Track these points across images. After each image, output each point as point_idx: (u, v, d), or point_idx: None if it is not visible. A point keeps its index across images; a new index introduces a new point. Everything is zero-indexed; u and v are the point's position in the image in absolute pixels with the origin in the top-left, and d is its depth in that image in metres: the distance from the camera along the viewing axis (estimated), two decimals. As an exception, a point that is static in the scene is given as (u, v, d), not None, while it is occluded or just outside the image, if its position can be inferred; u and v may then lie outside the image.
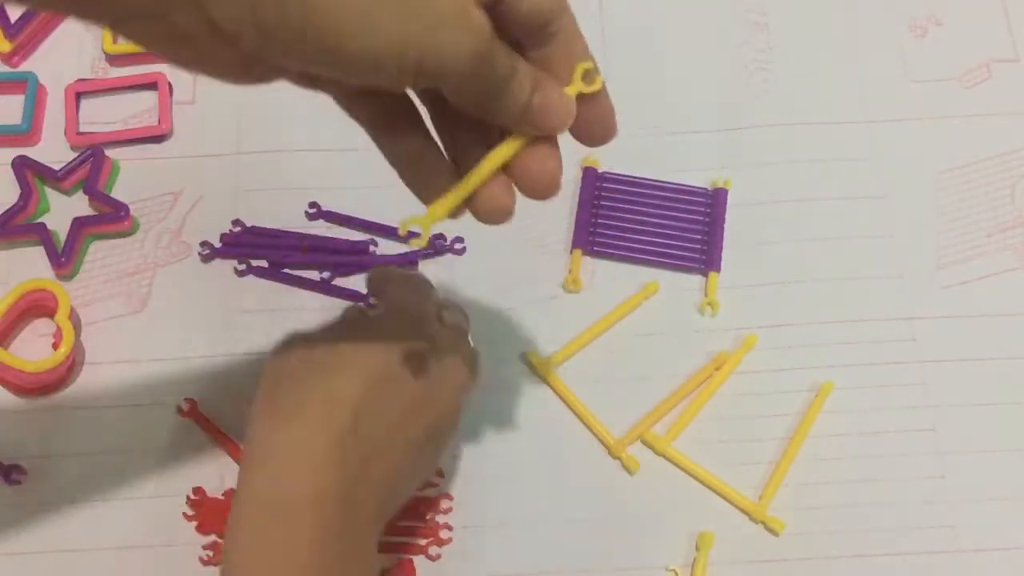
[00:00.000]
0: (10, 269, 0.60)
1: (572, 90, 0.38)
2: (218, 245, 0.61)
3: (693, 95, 0.65)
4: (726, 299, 0.60)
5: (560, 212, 0.62)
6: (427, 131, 0.40)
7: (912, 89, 0.65)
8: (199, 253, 0.61)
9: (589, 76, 0.38)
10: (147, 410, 0.58)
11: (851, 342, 0.59)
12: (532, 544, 0.55)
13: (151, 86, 0.64)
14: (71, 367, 0.58)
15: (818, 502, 0.56)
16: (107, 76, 0.65)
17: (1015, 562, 0.55)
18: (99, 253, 0.61)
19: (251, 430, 0.44)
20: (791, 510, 0.55)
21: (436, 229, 0.54)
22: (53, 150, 0.63)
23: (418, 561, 0.55)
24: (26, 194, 0.61)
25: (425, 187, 0.40)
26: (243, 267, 0.60)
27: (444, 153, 0.40)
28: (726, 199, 0.62)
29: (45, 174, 0.61)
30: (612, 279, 0.61)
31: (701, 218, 0.62)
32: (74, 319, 0.59)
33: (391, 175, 0.41)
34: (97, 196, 0.61)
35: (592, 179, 0.62)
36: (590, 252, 0.61)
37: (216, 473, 0.56)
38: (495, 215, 0.39)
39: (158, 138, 0.64)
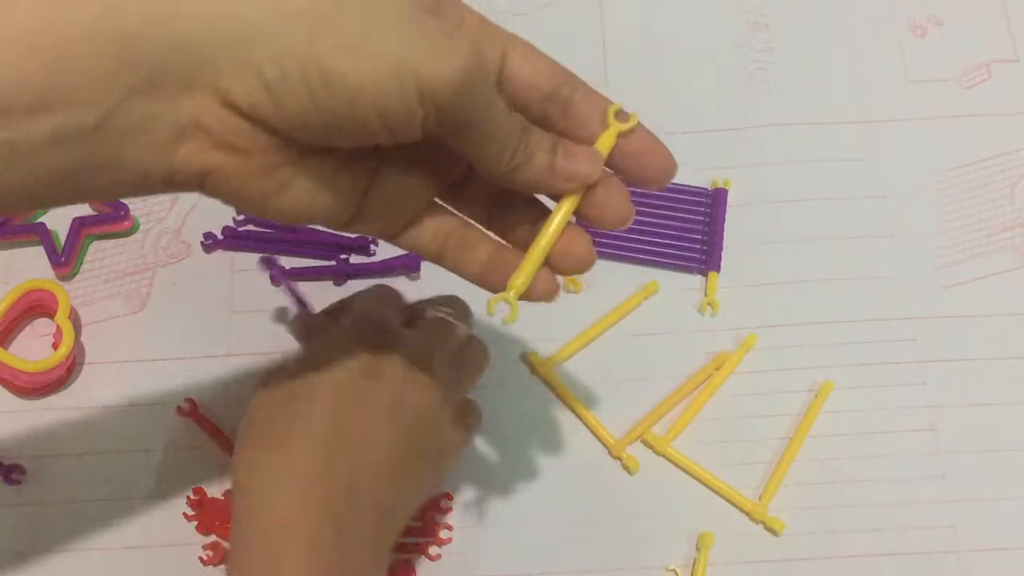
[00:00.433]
0: (10, 269, 0.60)
1: (609, 135, 0.39)
2: (220, 237, 0.61)
3: (693, 95, 0.65)
4: (726, 299, 0.60)
5: (560, 212, 0.62)
6: (488, 237, 0.42)
7: (912, 89, 0.65)
8: (201, 244, 0.61)
9: (622, 115, 0.39)
10: (147, 410, 0.58)
11: (851, 342, 0.59)
12: (532, 544, 0.55)
13: (151, 86, 0.64)
14: (71, 367, 0.58)
15: (818, 502, 0.56)
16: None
17: (1015, 562, 0.55)
18: (99, 253, 0.61)
19: (239, 457, 0.46)
20: (791, 510, 0.55)
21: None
22: (53, 150, 0.63)
23: (418, 561, 0.55)
24: (26, 194, 0.61)
25: (465, 263, 0.42)
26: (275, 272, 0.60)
27: (471, 221, 0.42)
28: (726, 199, 0.62)
29: (45, 174, 0.61)
30: (612, 279, 0.61)
31: (701, 218, 0.62)
32: (74, 319, 0.59)
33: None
34: (97, 196, 0.61)
35: (592, 179, 0.62)
36: (590, 252, 0.61)
37: (216, 473, 0.56)
38: (576, 263, 0.41)
39: (158, 138, 0.63)
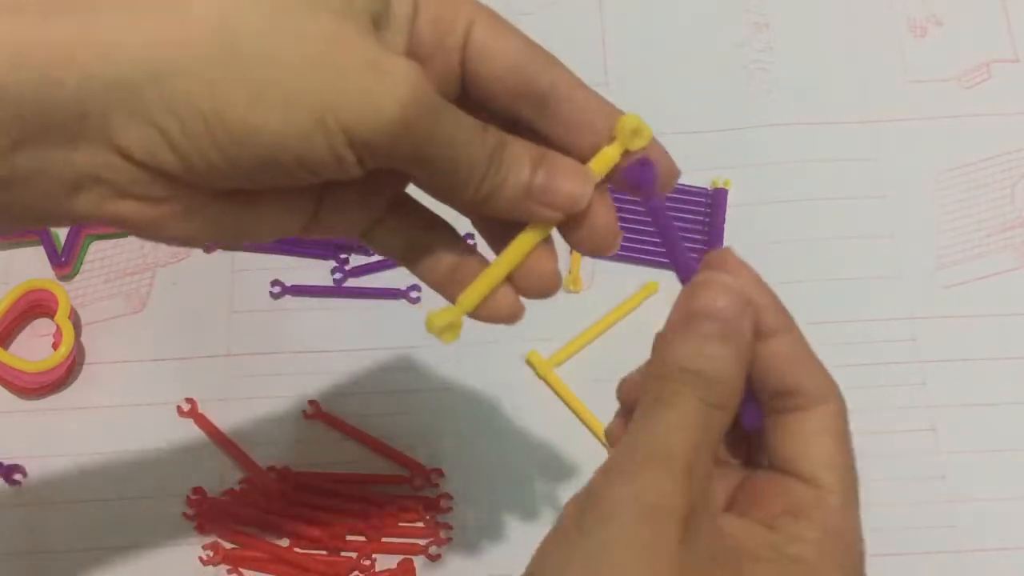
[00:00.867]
0: (10, 269, 0.60)
1: (611, 152, 0.34)
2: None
3: (693, 95, 0.65)
4: (726, 299, 0.60)
5: (560, 212, 0.62)
6: (458, 243, 0.38)
7: (912, 89, 0.65)
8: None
9: (638, 131, 0.34)
10: (147, 410, 0.58)
11: (851, 342, 0.59)
12: (532, 544, 0.55)
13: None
14: (71, 367, 0.58)
15: (818, 502, 0.56)
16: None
17: (1015, 562, 0.55)
18: (99, 253, 0.61)
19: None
20: (791, 510, 0.55)
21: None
22: (53, 150, 0.63)
23: (418, 561, 0.55)
24: (26, 194, 0.61)
25: (426, 270, 0.38)
26: (277, 289, 0.60)
27: (476, 253, 0.38)
28: (726, 199, 0.62)
29: (45, 174, 0.61)
30: (612, 279, 0.61)
31: (701, 218, 0.62)
32: (74, 319, 0.59)
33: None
34: (97, 196, 0.61)
35: (592, 179, 0.62)
36: (590, 252, 0.61)
37: (216, 473, 0.56)
38: (538, 286, 0.36)
39: (158, 138, 0.63)
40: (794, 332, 0.34)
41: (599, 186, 0.35)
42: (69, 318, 0.57)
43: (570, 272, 0.60)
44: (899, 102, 0.65)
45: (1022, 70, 0.66)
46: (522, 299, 0.37)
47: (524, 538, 0.55)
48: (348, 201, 0.36)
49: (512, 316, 0.37)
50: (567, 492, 0.56)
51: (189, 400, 0.57)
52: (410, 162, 0.32)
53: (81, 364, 0.59)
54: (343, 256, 0.61)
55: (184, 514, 0.55)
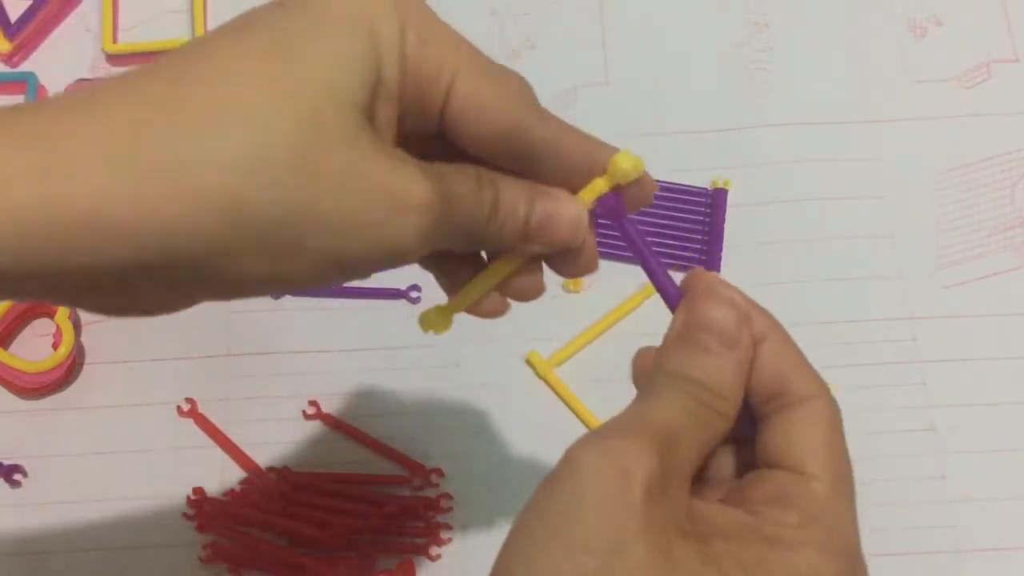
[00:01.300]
0: (10, 269, 0.60)
1: (599, 184, 0.35)
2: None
3: (693, 95, 0.65)
4: (726, 299, 0.60)
5: (560, 212, 0.62)
6: (478, 258, 0.39)
7: (912, 89, 0.65)
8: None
9: (631, 172, 0.35)
10: (147, 410, 0.58)
11: (851, 342, 0.59)
12: (532, 544, 0.55)
13: (151, 86, 0.64)
14: (71, 367, 0.58)
15: (818, 502, 0.56)
16: (107, 76, 0.65)
17: (1015, 562, 0.55)
18: (99, 253, 0.61)
19: None
20: (791, 510, 0.55)
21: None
22: (53, 150, 0.63)
23: (418, 561, 0.55)
24: (26, 194, 0.61)
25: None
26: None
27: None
28: (726, 199, 0.62)
29: (45, 174, 0.61)
30: (612, 279, 0.61)
31: (701, 218, 0.62)
32: (74, 319, 0.59)
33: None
34: (97, 196, 0.61)
35: (592, 179, 0.62)
36: (590, 252, 0.61)
37: (216, 473, 0.56)
38: (523, 294, 0.38)
39: (158, 138, 0.63)
40: (779, 334, 0.35)
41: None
42: (69, 318, 0.57)
43: (570, 272, 0.60)
44: (899, 102, 0.65)
45: (1022, 70, 0.66)
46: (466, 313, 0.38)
47: (524, 538, 0.55)
48: None
49: (497, 314, 0.38)
50: (567, 492, 0.56)
51: (189, 400, 0.57)
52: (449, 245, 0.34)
53: (81, 364, 0.59)
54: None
55: (184, 514, 0.55)
